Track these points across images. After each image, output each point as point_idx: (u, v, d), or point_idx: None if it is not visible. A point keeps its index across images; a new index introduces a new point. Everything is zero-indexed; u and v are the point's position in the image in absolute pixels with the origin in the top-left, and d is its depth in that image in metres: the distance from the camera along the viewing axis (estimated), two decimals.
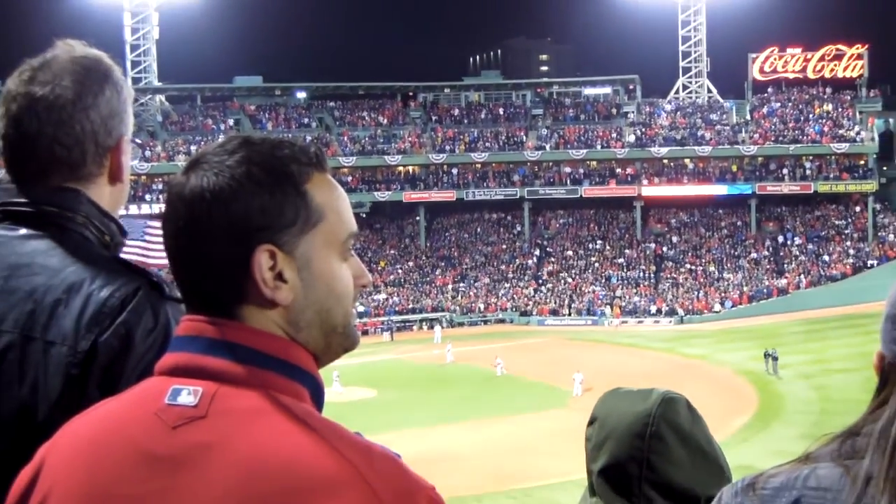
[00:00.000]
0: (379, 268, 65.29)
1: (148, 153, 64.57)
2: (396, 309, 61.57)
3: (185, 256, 1.42)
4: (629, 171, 69.07)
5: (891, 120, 76.01)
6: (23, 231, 1.94)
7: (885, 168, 70.10)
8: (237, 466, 1.30)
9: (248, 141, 1.45)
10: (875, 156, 69.06)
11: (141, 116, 64.58)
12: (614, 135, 70.31)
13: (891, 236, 66.94)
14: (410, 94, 74.50)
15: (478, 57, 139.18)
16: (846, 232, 67.76)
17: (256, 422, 1.33)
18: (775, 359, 46.71)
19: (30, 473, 1.43)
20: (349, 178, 66.90)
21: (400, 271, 66.02)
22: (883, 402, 1.41)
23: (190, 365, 1.37)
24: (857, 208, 68.62)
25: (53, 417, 1.58)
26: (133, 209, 59.60)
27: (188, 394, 1.34)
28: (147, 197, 61.91)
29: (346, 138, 69.00)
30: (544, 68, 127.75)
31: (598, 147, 69.53)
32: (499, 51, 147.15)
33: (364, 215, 66.61)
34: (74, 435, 1.44)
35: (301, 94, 74.32)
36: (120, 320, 1.78)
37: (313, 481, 1.27)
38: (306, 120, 71.12)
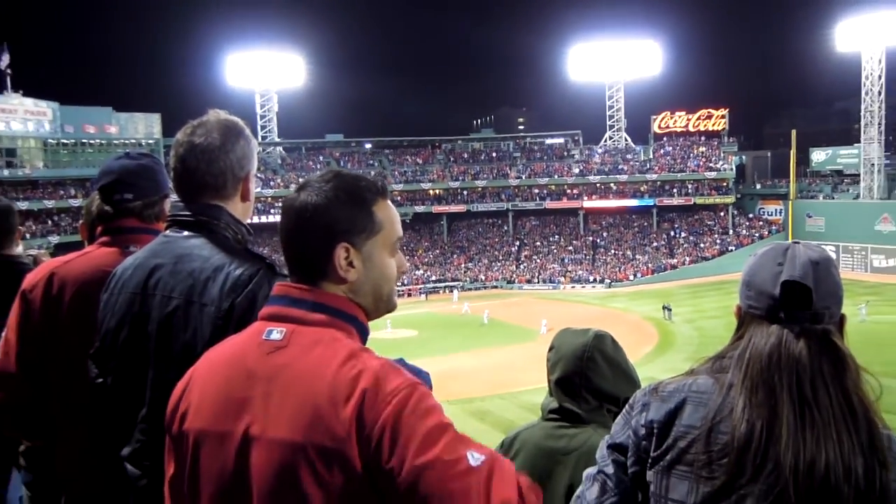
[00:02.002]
0: (418, 253, 65.52)
1: (272, 183, 64.99)
2: (430, 279, 61.94)
3: (293, 246, 1.49)
4: (575, 191, 69.39)
5: (742, 157, 77.37)
6: (185, 233, 1.93)
7: (739, 187, 70.45)
8: (303, 376, 1.37)
9: (339, 174, 1.53)
10: (732, 180, 69.12)
11: (266, 160, 65.79)
12: (565, 169, 70.64)
13: (743, 231, 66.80)
14: (436, 144, 74.82)
15: (479, 119, 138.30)
16: (714, 229, 67.70)
17: (315, 349, 1.40)
18: (669, 310, 46.10)
19: (182, 386, 1.51)
20: (398, 198, 66.93)
21: (430, 256, 66.10)
22: (740, 337, 1.53)
23: (279, 314, 1.46)
24: (722, 213, 68.38)
25: (204, 352, 1.55)
26: (263, 219, 58.84)
27: (277, 333, 1.43)
28: (272, 211, 61.39)
29: (396, 172, 69.70)
30: (521, 126, 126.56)
31: (556, 177, 69.97)
32: (492, 115, 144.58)
33: (408, 221, 65.70)
34: (208, 360, 1.51)
35: (368, 145, 74.89)
36: (248, 289, 1.78)
37: (348, 383, 1.34)
38: (371, 161, 71.61)
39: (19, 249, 3.28)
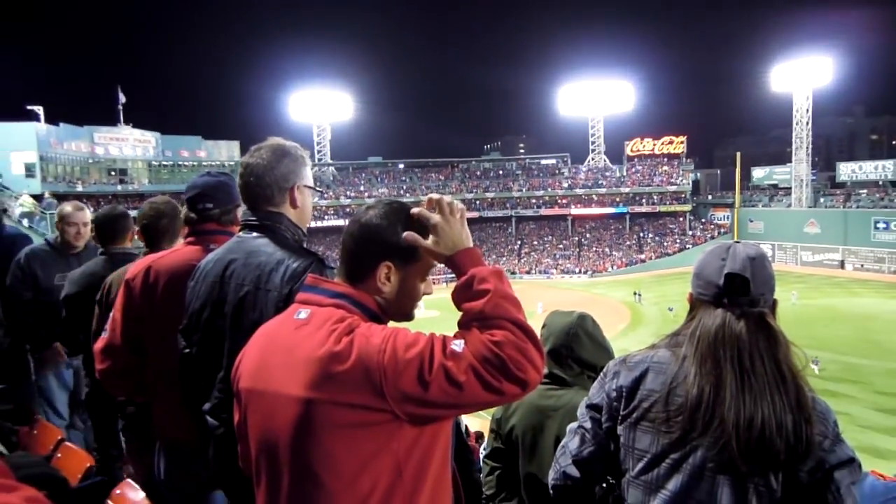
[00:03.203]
0: None
1: (325, 196, 64.85)
2: (450, 271, 62.18)
3: (349, 251, 1.44)
4: (565, 201, 69.12)
5: (697, 174, 77.10)
6: (254, 234, 1.92)
7: (695, 198, 69.98)
8: (313, 345, 1.34)
9: (403, 205, 1.45)
10: (689, 192, 68.71)
11: (321, 177, 65.79)
12: (557, 183, 70.46)
13: (697, 233, 66.13)
14: (455, 164, 74.59)
15: (489, 144, 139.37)
16: (675, 231, 67.17)
17: (325, 324, 1.36)
18: (640, 295, 46.06)
19: (241, 355, 1.50)
20: None
21: None
22: (692, 319, 1.52)
23: (308, 298, 1.45)
24: (681, 219, 67.80)
25: None
26: (319, 224, 59.75)
27: (304, 312, 1.41)
28: (325, 218, 61.98)
29: (423, 186, 69.49)
30: (522, 150, 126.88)
31: (549, 190, 69.75)
32: (499, 141, 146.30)
33: None
34: (258, 334, 1.50)
35: (401, 165, 74.70)
36: (303, 278, 1.70)
37: (345, 345, 1.30)
38: (403, 178, 71.63)
39: (130, 245, 3.34)
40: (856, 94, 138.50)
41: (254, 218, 1.96)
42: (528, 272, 62.33)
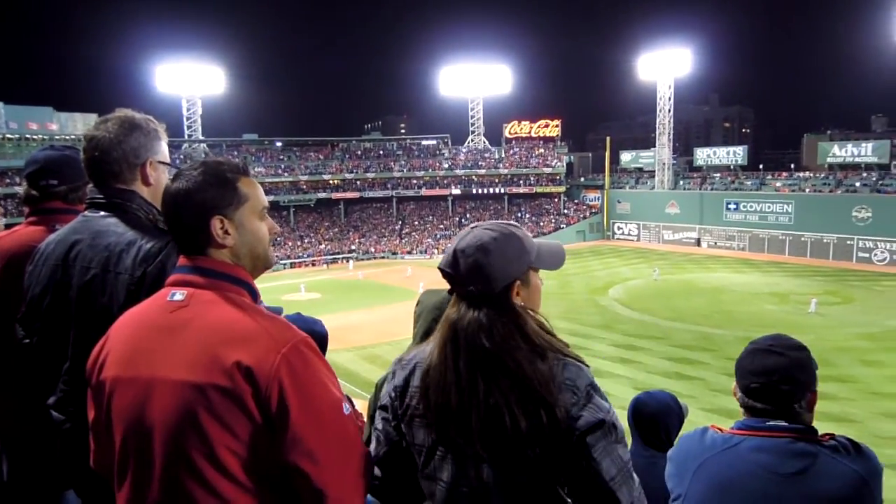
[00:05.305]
0: (320, 231, 64.31)
1: None
2: (330, 252, 60.75)
3: (176, 226, 1.43)
4: (445, 182, 69.74)
5: (571, 157, 79.61)
6: (101, 213, 1.82)
7: (568, 180, 72.61)
8: (203, 327, 1.32)
9: (205, 162, 1.45)
10: (563, 174, 71.21)
11: (192, 155, 61.79)
12: (437, 164, 70.91)
13: (571, 213, 68.97)
14: (335, 143, 73.07)
15: (369, 124, 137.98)
16: (550, 211, 69.49)
17: (213, 306, 1.35)
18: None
19: (101, 342, 1.44)
20: (304, 186, 66.15)
21: (331, 233, 64.81)
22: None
23: (181, 279, 1.41)
24: (556, 200, 70.25)
25: (121, 314, 1.47)
26: None
27: (179, 294, 1.38)
28: None
29: (302, 166, 67.64)
30: (403, 130, 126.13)
31: (430, 170, 70.09)
32: (380, 121, 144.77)
33: (312, 205, 66.00)
34: (123, 319, 1.44)
35: (279, 143, 72.10)
36: (158, 259, 1.68)
37: (242, 334, 1.31)
38: (281, 157, 69.28)
39: None
40: (711, 85, 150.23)
41: (101, 196, 1.85)
42: (409, 252, 62.63)
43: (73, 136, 55.24)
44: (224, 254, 1.44)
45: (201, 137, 67.77)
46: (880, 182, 53.09)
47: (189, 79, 64.98)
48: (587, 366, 1.44)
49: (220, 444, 1.27)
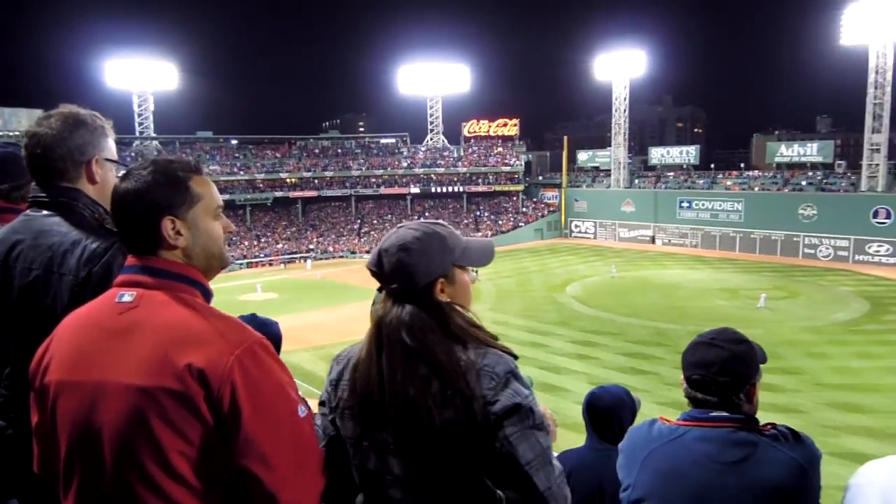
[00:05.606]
0: (278, 230, 63.41)
1: None
2: (288, 251, 60.00)
3: (124, 227, 1.39)
4: (404, 180, 69.45)
5: (529, 155, 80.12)
6: (44, 212, 1.77)
7: (527, 178, 73.20)
8: (153, 330, 1.28)
9: (155, 160, 1.41)
10: (522, 173, 71.79)
11: (144, 152, 60.03)
12: (396, 163, 70.56)
13: (529, 211, 69.45)
14: (292, 141, 72.08)
15: (328, 122, 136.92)
16: (509, 209, 69.85)
17: (164, 308, 1.31)
18: (476, 271, 45.28)
19: (45, 344, 1.40)
20: (261, 185, 65.01)
21: (288, 232, 63.98)
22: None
23: (129, 280, 1.37)
24: (514, 198, 70.68)
25: (65, 316, 1.43)
26: None
27: (128, 296, 1.34)
28: None
29: (258, 164, 66.51)
30: (361, 128, 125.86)
31: (389, 169, 69.65)
32: (339, 119, 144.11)
33: (269, 204, 64.93)
34: (68, 321, 1.40)
35: (234, 141, 70.80)
36: (104, 260, 1.64)
37: (195, 335, 1.27)
38: (237, 155, 67.99)
39: None
40: (665, 86, 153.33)
41: (44, 194, 1.79)
42: (367, 251, 60.46)
43: (17, 133, 53.32)
44: (176, 254, 1.40)
45: (153, 135, 66.05)
46: (825, 181, 54.98)
47: (140, 74, 63.16)
48: (514, 357, 1.48)
49: (171, 449, 1.24)
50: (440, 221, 1.59)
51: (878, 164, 51.12)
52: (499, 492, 1.38)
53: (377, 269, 1.51)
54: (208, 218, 1.44)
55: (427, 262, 1.48)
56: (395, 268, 1.48)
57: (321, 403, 1.60)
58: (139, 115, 65.08)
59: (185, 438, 1.25)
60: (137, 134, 64.39)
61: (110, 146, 1.88)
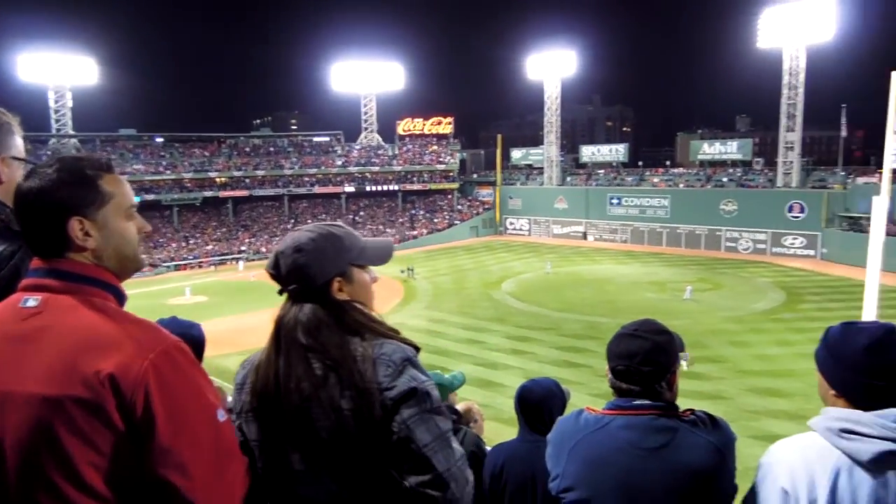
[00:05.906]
0: (208, 231, 61.75)
1: None
2: (218, 253, 58.55)
3: (28, 228, 1.32)
4: (338, 179, 68.75)
5: (464, 154, 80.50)
6: None
7: (461, 176, 73.71)
8: (60, 336, 1.22)
9: (62, 158, 1.35)
10: (457, 171, 72.16)
11: (61, 150, 56.83)
12: (330, 161, 69.75)
13: (464, 209, 69.85)
14: (222, 139, 70.23)
15: (259, 119, 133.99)
16: (444, 207, 70.13)
17: (72, 312, 1.25)
18: (412, 270, 46.42)
19: None
20: (189, 185, 63.03)
21: (219, 233, 62.39)
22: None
23: (34, 284, 1.31)
24: (449, 196, 71.01)
25: None
26: None
27: (32, 300, 1.27)
28: None
29: (186, 163, 64.43)
30: (294, 126, 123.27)
31: (322, 168, 68.82)
32: (270, 116, 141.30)
33: (198, 204, 63.13)
34: None
35: (159, 139, 68.25)
36: (12, 263, 1.59)
37: (105, 340, 1.21)
38: (163, 154, 65.61)
39: None
40: (594, 86, 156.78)
41: None
42: None
43: None
44: (86, 256, 1.33)
45: (72, 132, 63.07)
46: (744, 177, 57.65)
47: (56, 68, 60.10)
48: (416, 348, 1.50)
49: (81, 461, 1.18)
50: (337, 223, 1.62)
51: (792, 161, 53.98)
52: (405, 482, 1.39)
53: (275, 272, 1.53)
54: (120, 218, 1.37)
55: (322, 262, 1.51)
56: (291, 269, 1.51)
57: (228, 410, 1.54)
58: (56, 112, 62.02)
59: (97, 449, 1.19)
60: (54, 131, 61.27)
61: (17, 144, 1.79)
